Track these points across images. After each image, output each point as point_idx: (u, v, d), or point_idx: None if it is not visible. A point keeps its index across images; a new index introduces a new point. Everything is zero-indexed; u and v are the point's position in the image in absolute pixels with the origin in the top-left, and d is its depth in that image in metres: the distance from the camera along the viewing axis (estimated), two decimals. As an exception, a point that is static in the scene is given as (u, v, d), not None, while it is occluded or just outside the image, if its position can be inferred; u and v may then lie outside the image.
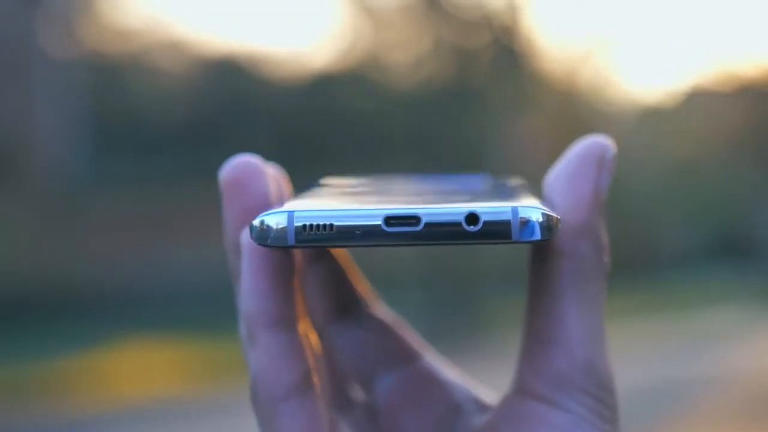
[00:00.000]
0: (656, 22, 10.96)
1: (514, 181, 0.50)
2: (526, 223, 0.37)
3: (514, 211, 0.37)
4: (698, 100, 9.61)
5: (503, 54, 7.70)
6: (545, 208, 0.38)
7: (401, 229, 0.37)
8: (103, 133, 7.60)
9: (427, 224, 0.37)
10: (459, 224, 0.37)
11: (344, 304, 0.47)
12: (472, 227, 0.37)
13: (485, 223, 0.37)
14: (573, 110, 8.18)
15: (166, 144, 7.50)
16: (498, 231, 0.37)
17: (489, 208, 0.37)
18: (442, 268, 7.08)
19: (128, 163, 7.35)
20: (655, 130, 9.39)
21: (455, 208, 0.37)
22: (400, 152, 7.24)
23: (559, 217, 0.38)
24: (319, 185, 0.49)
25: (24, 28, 7.23)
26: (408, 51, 7.97)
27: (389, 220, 0.37)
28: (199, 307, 6.22)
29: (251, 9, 10.10)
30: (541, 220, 0.37)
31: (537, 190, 0.46)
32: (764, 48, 12.22)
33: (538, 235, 0.37)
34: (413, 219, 0.37)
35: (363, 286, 0.48)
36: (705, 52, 12.58)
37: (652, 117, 9.65)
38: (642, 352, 5.37)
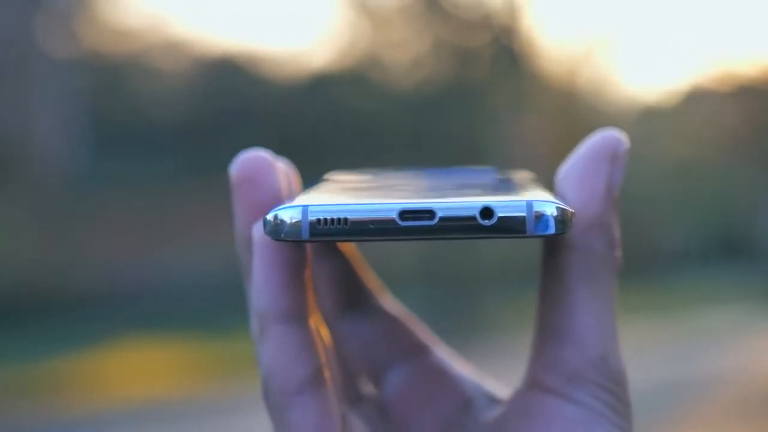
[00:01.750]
0: (656, 22, 10.96)
1: (525, 176, 0.49)
2: (540, 217, 0.37)
3: (529, 204, 0.37)
4: (698, 99, 9.60)
5: (503, 53, 7.70)
6: (559, 202, 0.37)
7: (416, 224, 0.37)
8: (102, 133, 7.59)
9: (441, 218, 0.37)
10: (474, 218, 0.37)
11: (352, 298, 0.47)
12: (486, 221, 0.37)
13: (500, 218, 0.37)
14: (573, 110, 8.17)
15: (166, 144, 7.49)
16: (513, 225, 0.37)
17: (504, 202, 0.37)
18: (443, 268, 7.07)
19: (128, 163, 7.35)
20: (654, 130, 9.38)
21: (470, 202, 0.37)
22: (400, 152, 7.23)
23: (573, 210, 0.38)
24: (326, 181, 0.48)
25: (24, 28, 7.22)
26: (407, 50, 7.97)
27: (404, 214, 0.37)
28: (199, 307, 6.21)
29: (251, 9, 10.10)
30: (555, 214, 0.37)
31: (547, 185, 0.45)
32: (764, 48, 12.22)
33: (552, 229, 0.37)
34: (428, 213, 0.37)
35: (371, 280, 0.48)
36: (705, 51, 12.57)
37: (652, 116, 9.64)
38: (641, 352, 5.36)
